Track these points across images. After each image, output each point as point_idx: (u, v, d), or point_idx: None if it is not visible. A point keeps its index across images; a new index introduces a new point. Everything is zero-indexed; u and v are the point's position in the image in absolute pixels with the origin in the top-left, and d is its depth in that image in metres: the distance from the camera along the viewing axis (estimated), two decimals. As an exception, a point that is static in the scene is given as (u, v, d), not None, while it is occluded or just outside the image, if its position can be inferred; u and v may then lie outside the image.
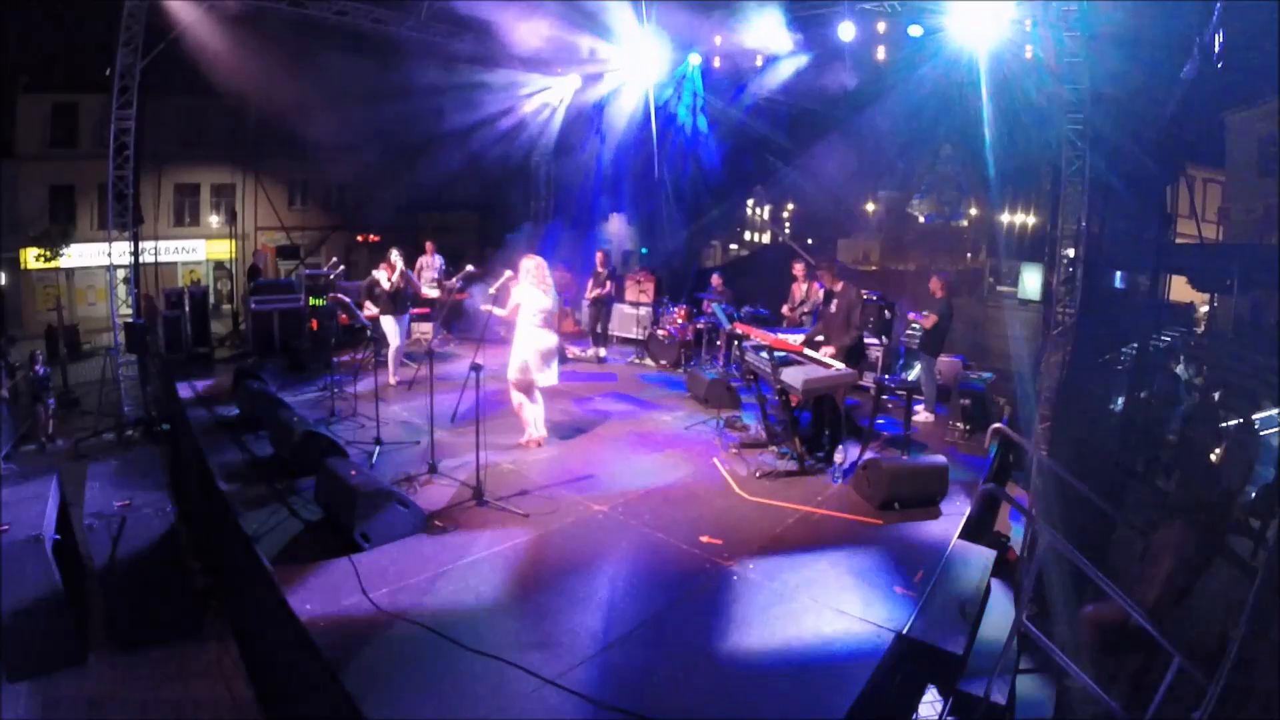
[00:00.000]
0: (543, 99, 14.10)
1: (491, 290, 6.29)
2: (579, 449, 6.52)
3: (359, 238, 22.21)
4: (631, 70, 12.98)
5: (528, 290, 6.10)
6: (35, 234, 18.27)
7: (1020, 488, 7.50)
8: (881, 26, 10.39)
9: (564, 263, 12.86)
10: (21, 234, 18.13)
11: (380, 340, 8.20)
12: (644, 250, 18.15)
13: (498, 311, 6.23)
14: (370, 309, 8.57)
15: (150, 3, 8.99)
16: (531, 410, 6.42)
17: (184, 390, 8.21)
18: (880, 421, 7.14)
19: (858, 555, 4.68)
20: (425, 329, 10.14)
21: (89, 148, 17.64)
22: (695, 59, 12.40)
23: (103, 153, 9.30)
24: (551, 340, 6.20)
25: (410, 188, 18.48)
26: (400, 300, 8.19)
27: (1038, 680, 4.38)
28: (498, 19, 11.26)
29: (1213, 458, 7.16)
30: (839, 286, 6.52)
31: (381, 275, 8.11)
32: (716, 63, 12.51)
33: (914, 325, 8.72)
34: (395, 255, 8.18)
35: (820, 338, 6.61)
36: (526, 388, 6.31)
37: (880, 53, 10.87)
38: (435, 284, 9.83)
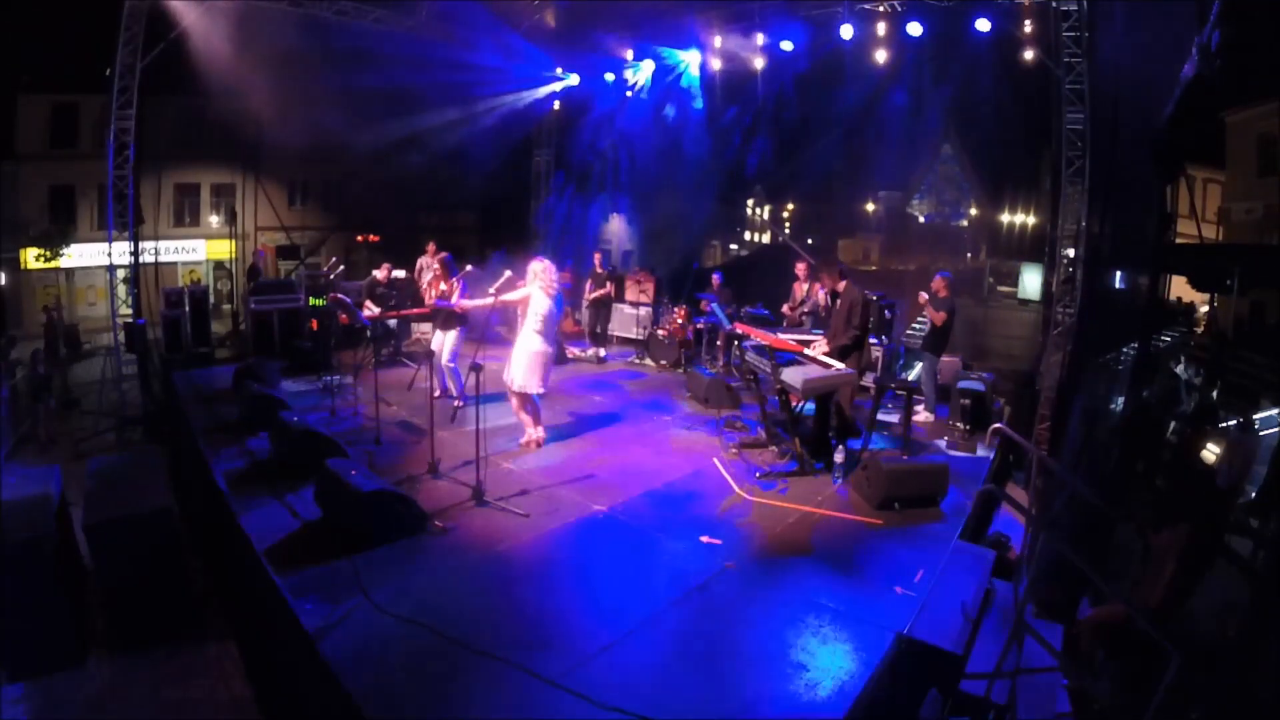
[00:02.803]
0: (543, 99, 14.12)
1: (491, 290, 6.29)
2: (579, 449, 6.52)
3: (359, 238, 22.23)
4: (631, 69, 12.99)
5: (533, 292, 6.10)
6: (35, 234, 18.29)
7: (1020, 488, 7.51)
8: (881, 29, 10.39)
9: (567, 263, 12.87)
10: (21, 234, 18.14)
11: (380, 340, 8.16)
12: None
13: (504, 298, 6.08)
14: (370, 308, 8.54)
15: (150, 3, 8.99)
16: (530, 411, 6.43)
17: (184, 390, 8.21)
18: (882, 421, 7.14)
19: (858, 555, 4.69)
20: (425, 329, 10.14)
21: (89, 148, 17.67)
22: (695, 57, 12.41)
23: (103, 153, 9.31)
24: (546, 346, 6.17)
25: (410, 188, 18.49)
26: (449, 311, 7.43)
27: (1038, 680, 4.38)
28: (497, 19, 11.26)
29: (1212, 458, 7.15)
30: (842, 286, 6.52)
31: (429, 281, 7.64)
32: (716, 61, 12.52)
33: (915, 325, 8.71)
34: (439, 264, 7.54)
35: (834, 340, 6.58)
36: (522, 390, 6.33)
37: (880, 53, 10.86)
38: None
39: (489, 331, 6.06)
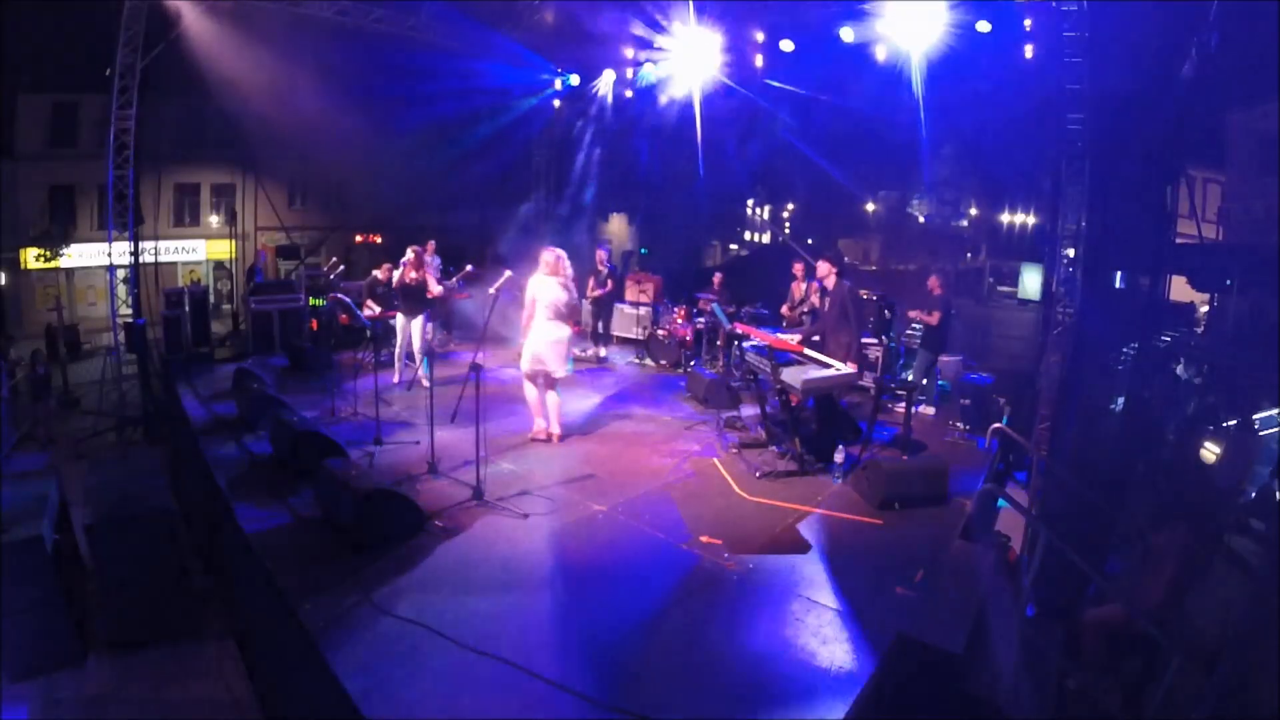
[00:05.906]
0: (543, 99, 14.11)
1: (491, 290, 6.29)
2: (579, 449, 6.52)
3: (359, 238, 22.23)
4: (632, 68, 12.97)
5: (544, 281, 6.17)
6: (35, 234, 18.28)
7: (1020, 488, 7.50)
8: (882, 43, 10.36)
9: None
10: (21, 234, 18.13)
11: (380, 340, 8.17)
12: (644, 250, 18.13)
13: (542, 301, 6.24)
14: (371, 308, 8.55)
15: (150, 3, 8.99)
16: (547, 403, 6.50)
17: (184, 390, 8.21)
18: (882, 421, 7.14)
19: (858, 555, 4.69)
20: (426, 329, 10.13)
21: (89, 148, 17.63)
22: (695, 56, 12.37)
23: (103, 153, 9.31)
24: (565, 332, 6.30)
25: (410, 187, 18.48)
26: (417, 299, 7.99)
27: (1037, 681, 4.38)
28: (498, 18, 11.27)
29: (1212, 458, 7.15)
30: (831, 282, 6.53)
31: (397, 273, 8.07)
32: (717, 61, 12.49)
33: (915, 324, 8.72)
34: (411, 252, 8.06)
35: (817, 337, 6.60)
36: (541, 379, 6.37)
37: (879, 53, 10.85)
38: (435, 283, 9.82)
39: (489, 331, 6.06)
